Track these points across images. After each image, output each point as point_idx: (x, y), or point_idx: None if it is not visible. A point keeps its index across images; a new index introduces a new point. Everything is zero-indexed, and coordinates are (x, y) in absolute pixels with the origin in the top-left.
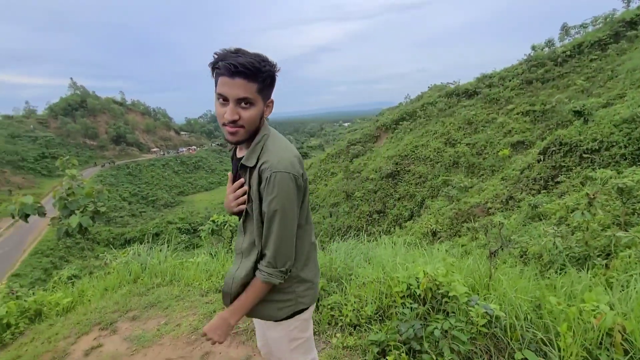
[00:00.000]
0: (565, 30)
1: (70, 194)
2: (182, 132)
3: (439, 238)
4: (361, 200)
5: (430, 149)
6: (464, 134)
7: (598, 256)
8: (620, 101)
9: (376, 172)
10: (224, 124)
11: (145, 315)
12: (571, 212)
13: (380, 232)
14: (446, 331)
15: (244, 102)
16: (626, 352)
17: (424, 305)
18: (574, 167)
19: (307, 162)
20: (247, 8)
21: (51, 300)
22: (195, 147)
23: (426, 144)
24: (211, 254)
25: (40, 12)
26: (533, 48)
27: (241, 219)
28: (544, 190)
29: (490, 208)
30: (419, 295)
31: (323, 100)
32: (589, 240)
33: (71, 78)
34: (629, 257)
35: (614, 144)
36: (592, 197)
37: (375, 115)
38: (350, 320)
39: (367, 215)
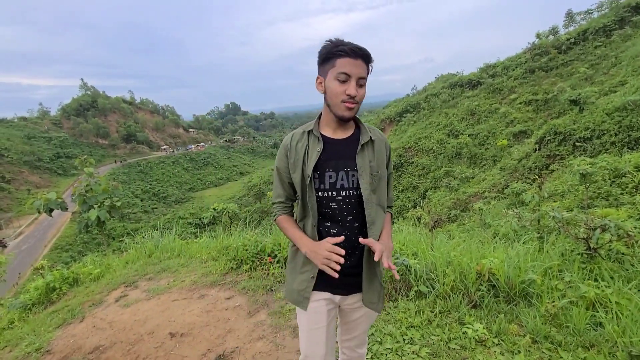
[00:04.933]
0: (569, 16)
1: (89, 190)
2: (190, 129)
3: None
4: None
5: (433, 140)
6: (467, 125)
7: (537, 231)
8: (621, 88)
9: None
10: (343, 101)
11: (158, 277)
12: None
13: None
14: None
15: (362, 80)
16: (493, 287)
17: None
18: (567, 156)
19: None
20: (253, 2)
21: (84, 271)
22: (203, 144)
23: (429, 135)
24: (212, 235)
25: (46, 13)
26: (537, 36)
27: (368, 189)
28: (540, 179)
29: (486, 197)
30: None
31: None
32: (542, 220)
33: (82, 79)
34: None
35: (605, 132)
36: (540, 182)
37: (382, 107)
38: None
39: None
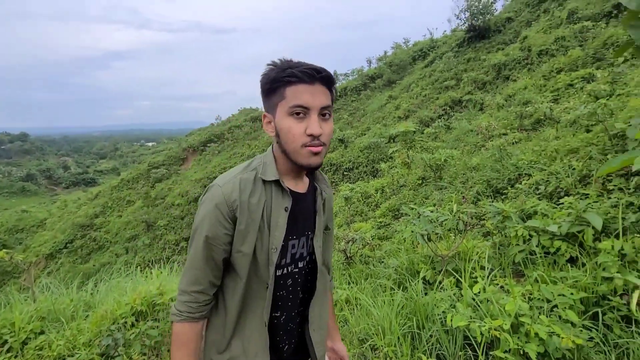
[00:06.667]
0: (336, 75)
1: None
2: None
3: None
4: (165, 229)
5: None
6: None
7: None
8: (368, 132)
9: (182, 196)
10: (304, 145)
11: None
12: None
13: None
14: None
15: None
16: None
17: (144, 320)
18: (339, 182)
19: (94, 191)
20: None
21: None
22: None
23: (233, 166)
24: None
25: None
26: None
27: (321, 253)
28: None
29: None
30: (144, 311)
31: (119, 115)
32: None
33: None
34: None
35: (360, 164)
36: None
37: (185, 135)
38: (60, 352)
39: (174, 244)
